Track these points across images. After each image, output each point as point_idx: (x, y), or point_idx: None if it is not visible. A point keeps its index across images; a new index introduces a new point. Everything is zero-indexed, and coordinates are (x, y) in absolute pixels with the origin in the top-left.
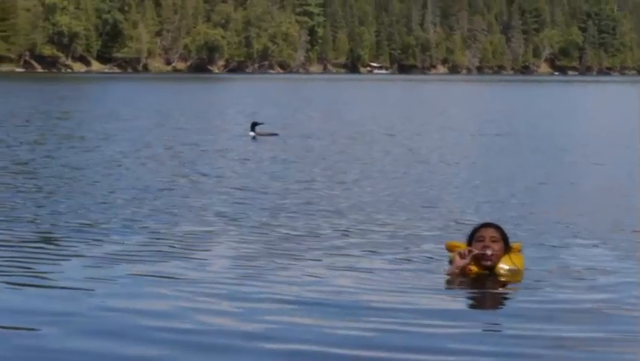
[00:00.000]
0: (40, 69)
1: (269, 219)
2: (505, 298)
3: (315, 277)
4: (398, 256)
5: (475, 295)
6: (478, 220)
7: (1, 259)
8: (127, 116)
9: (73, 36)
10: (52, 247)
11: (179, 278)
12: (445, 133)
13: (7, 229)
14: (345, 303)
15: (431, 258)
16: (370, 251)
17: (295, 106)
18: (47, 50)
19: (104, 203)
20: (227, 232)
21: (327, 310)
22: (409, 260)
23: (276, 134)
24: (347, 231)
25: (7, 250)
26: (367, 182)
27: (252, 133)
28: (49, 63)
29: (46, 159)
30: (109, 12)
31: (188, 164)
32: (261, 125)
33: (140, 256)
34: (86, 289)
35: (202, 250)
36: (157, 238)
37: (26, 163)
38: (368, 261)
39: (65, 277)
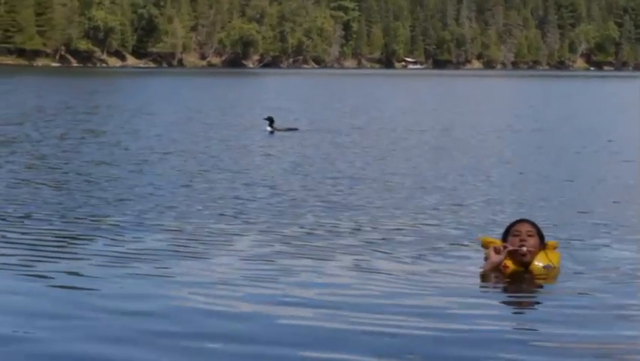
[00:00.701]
0: (75, 64)
1: (282, 218)
2: (541, 298)
3: (345, 277)
4: (430, 254)
5: (510, 293)
6: (511, 218)
7: (15, 257)
8: (156, 110)
9: (109, 31)
10: (64, 244)
11: (193, 278)
12: (478, 129)
13: (23, 225)
14: (374, 304)
15: (465, 256)
16: (401, 249)
17: (326, 101)
18: (83, 45)
19: (120, 200)
20: (242, 231)
21: (354, 311)
22: (442, 258)
23: (295, 130)
24: (374, 229)
25: (22, 247)
26: (393, 178)
27: (268, 128)
28: (85, 58)
29: (66, 154)
30: (144, 7)
31: (206, 160)
32: (279, 121)
33: (151, 255)
34: (96, 289)
35: (218, 250)
36: (171, 237)
37: (45, 158)
38: (398, 259)
39: (77, 276)
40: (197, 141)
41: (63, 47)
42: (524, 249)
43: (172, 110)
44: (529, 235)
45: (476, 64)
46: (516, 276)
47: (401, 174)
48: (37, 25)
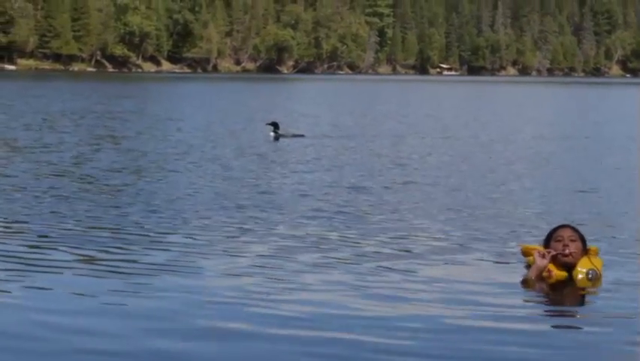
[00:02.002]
0: (111, 69)
1: (290, 227)
2: (586, 306)
3: (383, 283)
4: (469, 263)
5: (555, 301)
6: (547, 225)
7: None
8: (182, 116)
9: (144, 36)
10: (67, 254)
11: (200, 292)
12: (516, 136)
13: (22, 231)
14: (409, 310)
15: (505, 263)
16: (439, 257)
17: (353, 107)
18: (118, 50)
19: (118, 207)
20: (248, 240)
21: (390, 317)
22: (481, 266)
23: (301, 136)
24: (403, 237)
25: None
26: (415, 186)
27: (272, 134)
28: (120, 63)
29: (77, 159)
30: (180, 12)
31: (211, 167)
32: (285, 127)
33: (151, 267)
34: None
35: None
36: (174, 249)
37: (56, 164)
38: (438, 267)
39: (75, 287)
40: (214, 146)
41: (99, 52)
42: (567, 251)
43: (199, 116)
44: (572, 240)
45: (511, 70)
46: (560, 283)
47: (427, 182)
48: (74, 31)
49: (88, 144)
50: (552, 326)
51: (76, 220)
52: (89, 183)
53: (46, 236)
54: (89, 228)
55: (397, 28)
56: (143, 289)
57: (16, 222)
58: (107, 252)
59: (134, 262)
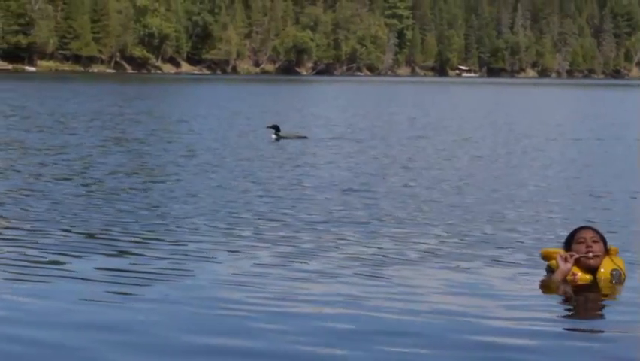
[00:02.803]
0: (130, 70)
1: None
2: (610, 308)
3: (402, 287)
4: (488, 267)
5: (580, 304)
6: (565, 228)
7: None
8: (195, 117)
9: (164, 38)
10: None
11: (204, 298)
12: (531, 138)
13: (26, 237)
14: (429, 318)
15: (525, 267)
16: (458, 260)
17: (368, 109)
18: (138, 52)
19: (124, 211)
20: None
21: (414, 321)
22: (502, 270)
23: (304, 137)
24: (424, 240)
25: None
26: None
27: (273, 136)
28: (140, 64)
29: (81, 162)
30: (199, 14)
31: (210, 168)
32: (286, 128)
33: (150, 272)
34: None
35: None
36: (170, 254)
37: (58, 165)
38: (456, 271)
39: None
40: (217, 149)
41: (118, 54)
42: (591, 261)
43: (212, 117)
44: (594, 242)
45: (530, 72)
46: (585, 286)
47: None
48: (93, 32)
49: (94, 145)
50: (575, 330)
51: (70, 224)
52: (86, 185)
53: (37, 242)
54: (80, 233)
55: (416, 29)
56: (128, 300)
57: (9, 228)
58: (88, 259)
59: (124, 270)
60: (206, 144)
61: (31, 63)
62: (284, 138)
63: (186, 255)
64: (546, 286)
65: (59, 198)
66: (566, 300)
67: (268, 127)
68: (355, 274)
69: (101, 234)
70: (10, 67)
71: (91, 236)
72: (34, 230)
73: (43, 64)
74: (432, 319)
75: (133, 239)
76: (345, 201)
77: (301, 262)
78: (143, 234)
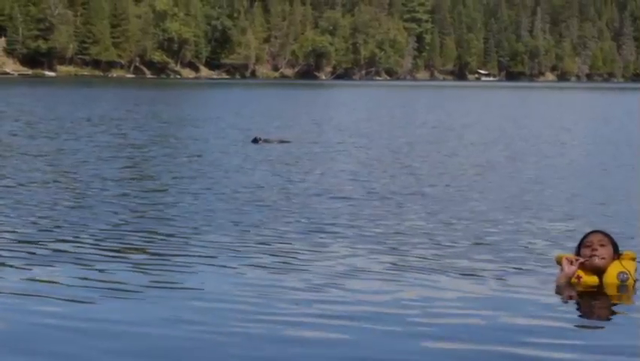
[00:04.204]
0: (149, 75)
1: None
2: (615, 313)
3: (416, 293)
4: (501, 270)
5: (584, 307)
6: (582, 232)
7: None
8: (200, 122)
9: (183, 42)
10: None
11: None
12: (553, 142)
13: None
14: (444, 318)
15: (539, 270)
16: (469, 266)
17: (381, 113)
18: (157, 56)
19: (117, 213)
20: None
21: (425, 327)
22: (516, 273)
23: (288, 142)
24: (435, 245)
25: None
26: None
27: (255, 141)
28: (159, 69)
29: (78, 167)
30: (218, 18)
31: (189, 172)
32: (270, 133)
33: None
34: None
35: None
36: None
37: (53, 168)
38: (468, 276)
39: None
40: (205, 151)
41: (137, 59)
42: (596, 259)
43: (221, 122)
44: (601, 245)
45: (550, 76)
46: (591, 289)
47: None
48: (113, 37)
49: (89, 151)
50: (575, 333)
51: (66, 231)
52: (80, 191)
53: (19, 249)
54: (71, 240)
55: (436, 33)
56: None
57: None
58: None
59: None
60: (192, 150)
61: (51, 68)
62: (267, 141)
63: (181, 264)
64: (553, 290)
65: (54, 203)
66: (569, 303)
67: (252, 141)
68: (367, 281)
69: (73, 242)
70: (30, 72)
71: (63, 242)
72: (17, 239)
73: (63, 69)
74: (443, 323)
75: (106, 247)
76: (346, 208)
77: (309, 270)
78: (131, 242)
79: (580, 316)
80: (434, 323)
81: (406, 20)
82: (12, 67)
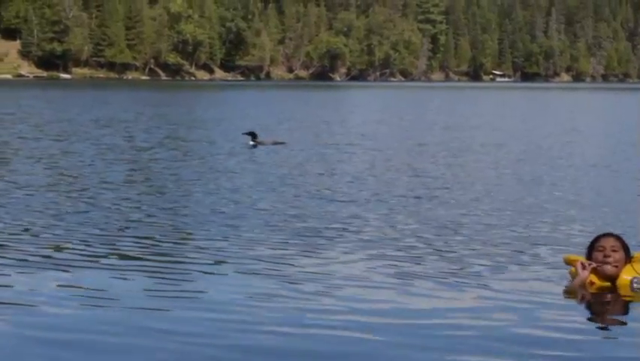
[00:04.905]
0: (164, 77)
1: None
2: (627, 321)
3: (429, 297)
4: (512, 272)
5: (597, 310)
6: (595, 232)
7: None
8: (208, 123)
9: (198, 44)
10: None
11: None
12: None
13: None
14: (454, 320)
15: (550, 272)
16: (483, 267)
17: (393, 115)
18: (172, 58)
19: (112, 218)
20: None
21: (435, 330)
22: (526, 276)
23: (282, 143)
24: (449, 247)
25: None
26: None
27: (251, 142)
28: (174, 71)
29: (77, 170)
30: (232, 20)
31: (186, 174)
32: (263, 135)
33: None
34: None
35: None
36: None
37: (48, 172)
38: (482, 278)
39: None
40: (206, 155)
41: (152, 61)
42: (608, 266)
43: (226, 123)
44: (614, 250)
45: (565, 77)
46: (603, 292)
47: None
48: (127, 39)
49: (98, 152)
50: (588, 338)
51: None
52: (77, 194)
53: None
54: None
55: (450, 34)
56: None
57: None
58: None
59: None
60: (195, 152)
61: (66, 70)
62: (261, 143)
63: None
64: (565, 293)
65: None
66: (583, 308)
67: (244, 133)
68: (378, 287)
69: (66, 248)
70: (45, 74)
71: (59, 249)
72: (15, 244)
73: (78, 71)
74: (451, 332)
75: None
76: (350, 211)
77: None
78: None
79: (591, 322)
80: (442, 333)
81: (420, 21)
82: (27, 69)
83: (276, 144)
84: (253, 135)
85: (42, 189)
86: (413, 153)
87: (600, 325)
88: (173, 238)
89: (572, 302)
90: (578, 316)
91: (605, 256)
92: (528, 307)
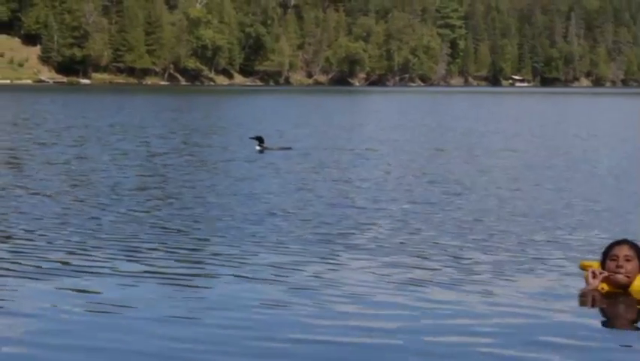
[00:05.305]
0: (183, 82)
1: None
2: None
3: (440, 301)
4: (524, 277)
5: (610, 316)
6: (611, 238)
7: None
8: (223, 130)
9: (217, 50)
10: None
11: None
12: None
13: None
14: (467, 325)
15: (565, 278)
16: (494, 272)
17: (410, 120)
18: (191, 63)
19: (121, 222)
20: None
21: (446, 335)
22: (540, 281)
23: (289, 149)
24: (460, 249)
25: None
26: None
27: (257, 147)
28: (193, 76)
29: (94, 174)
30: (252, 26)
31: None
32: (272, 140)
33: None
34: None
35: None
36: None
37: (50, 181)
38: (492, 283)
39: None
40: (210, 161)
41: (172, 66)
42: (620, 276)
43: (240, 129)
44: (627, 260)
45: (585, 82)
46: (614, 298)
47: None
48: (147, 45)
49: (109, 157)
50: (601, 344)
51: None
52: (84, 199)
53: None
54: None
55: (469, 39)
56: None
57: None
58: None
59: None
60: (206, 158)
61: (86, 76)
62: (268, 149)
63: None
64: (578, 300)
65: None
66: (596, 314)
67: (251, 138)
68: (396, 292)
69: (73, 253)
70: (65, 79)
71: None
72: (29, 251)
73: (98, 76)
74: (469, 331)
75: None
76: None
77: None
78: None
79: (604, 328)
80: (455, 339)
81: (439, 26)
82: (47, 75)
83: (282, 149)
84: (260, 140)
85: (55, 195)
86: (430, 158)
87: (613, 330)
88: (186, 244)
89: (585, 308)
90: (590, 321)
91: (618, 267)
92: (541, 313)
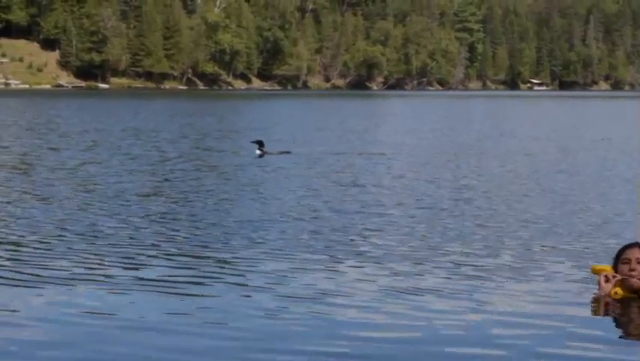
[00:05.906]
0: (201, 86)
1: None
2: None
3: (449, 306)
4: (537, 280)
5: (623, 320)
6: (624, 242)
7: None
8: (238, 133)
9: (235, 54)
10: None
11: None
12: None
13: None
14: (479, 330)
15: (576, 283)
16: (503, 280)
17: (426, 123)
18: (209, 68)
19: (127, 228)
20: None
21: (454, 340)
22: (553, 285)
23: (288, 153)
24: (474, 257)
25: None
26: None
27: (258, 152)
28: (211, 80)
29: (102, 178)
30: (270, 30)
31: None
32: (272, 144)
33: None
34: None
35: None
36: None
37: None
38: (500, 291)
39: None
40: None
41: (190, 70)
42: (634, 279)
43: (256, 133)
44: (639, 263)
45: (603, 85)
46: (628, 302)
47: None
48: (165, 49)
49: (121, 162)
50: (613, 348)
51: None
52: (89, 204)
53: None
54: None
55: (487, 43)
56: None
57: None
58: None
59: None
60: (217, 163)
61: (105, 80)
62: (267, 153)
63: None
64: (591, 304)
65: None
66: (608, 319)
67: (252, 142)
68: (400, 301)
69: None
70: (83, 84)
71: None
72: (19, 257)
73: (116, 81)
74: (480, 336)
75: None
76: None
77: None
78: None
79: (617, 333)
80: (464, 347)
81: (457, 30)
82: (66, 79)
83: (281, 153)
84: (260, 144)
85: (59, 201)
86: (441, 162)
87: (626, 335)
88: (192, 251)
89: (598, 313)
90: (603, 326)
91: (631, 270)
92: (552, 318)
